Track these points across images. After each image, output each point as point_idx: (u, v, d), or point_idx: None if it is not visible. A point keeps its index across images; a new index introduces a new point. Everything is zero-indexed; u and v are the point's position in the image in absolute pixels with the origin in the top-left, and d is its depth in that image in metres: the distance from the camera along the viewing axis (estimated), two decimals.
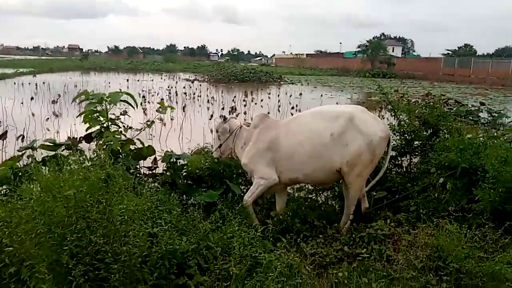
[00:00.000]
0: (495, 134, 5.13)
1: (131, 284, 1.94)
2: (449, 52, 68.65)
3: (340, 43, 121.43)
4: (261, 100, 17.20)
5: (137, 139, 4.62)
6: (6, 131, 8.05)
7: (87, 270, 1.85)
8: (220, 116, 11.58)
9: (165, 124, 11.02)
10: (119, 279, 1.89)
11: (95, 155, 4.07)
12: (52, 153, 4.50)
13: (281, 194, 4.17)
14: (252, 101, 17.03)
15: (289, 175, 3.85)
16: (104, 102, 4.52)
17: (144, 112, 12.61)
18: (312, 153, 3.71)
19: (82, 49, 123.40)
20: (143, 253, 2.00)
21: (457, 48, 70.44)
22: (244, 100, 16.91)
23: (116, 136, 4.41)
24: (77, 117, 4.90)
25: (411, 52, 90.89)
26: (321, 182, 4.18)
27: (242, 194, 4.04)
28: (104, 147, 4.17)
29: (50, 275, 1.68)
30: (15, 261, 1.79)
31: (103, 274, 1.90)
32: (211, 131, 10.70)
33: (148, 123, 5.39)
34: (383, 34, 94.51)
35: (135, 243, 1.96)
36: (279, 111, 14.40)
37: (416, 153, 4.90)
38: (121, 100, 4.62)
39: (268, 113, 5.29)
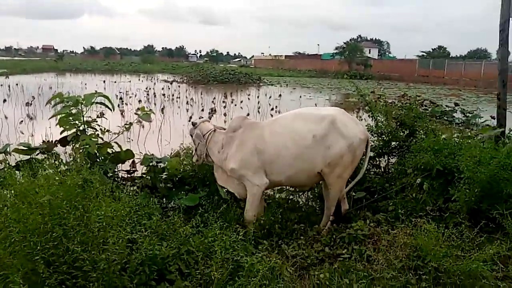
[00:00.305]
0: (469, 134, 5.27)
1: None
2: (424, 53, 70.38)
3: (318, 45, 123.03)
4: (241, 102, 17.17)
5: (115, 142, 4.53)
6: None
7: (64, 279, 1.79)
8: (189, 121, 11.54)
9: (143, 126, 10.85)
10: (98, 287, 1.84)
11: (71, 159, 3.98)
12: (26, 157, 4.39)
13: (261, 199, 4.06)
14: (232, 102, 16.99)
15: (273, 178, 3.81)
16: (79, 104, 4.42)
17: (121, 114, 12.41)
18: (296, 155, 3.70)
19: (57, 49, 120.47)
20: (123, 260, 1.96)
21: (431, 50, 72.26)
22: (223, 102, 16.86)
23: (92, 139, 4.31)
24: (49, 118, 4.76)
25: (387, 54, 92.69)
26: (301, 185, 4.16)
27: (227, 198, 4.03)
28: (81, 151, 4.08)
29: (25, 285, 1.62)
30: None
31: (81, 283, 1.85)
32: (191, 122, 10.60)
33: (127, 126, 5.31)
34: (359, 36, 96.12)
35: (114, 250, 1.92)
36: (259, 112, 14.41)
37: (394, 154, 4.98)
38: (97, 103, 4.52)
39: (248, 114, 5.26)
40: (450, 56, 66.84)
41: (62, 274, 1.79)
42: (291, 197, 4.82)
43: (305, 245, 3.49)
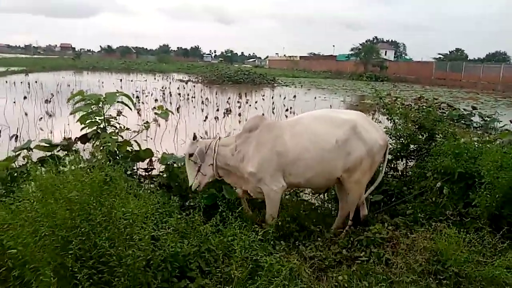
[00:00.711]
0: (488, 138, 5.19)
1: (134, 287, 1.93)
2: (441, 56, 69.53)
3: (333, 46, 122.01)
4: (256, 102, 17.21)
5: (134, 140, 4.59)
6: (0, 131, 7.97)
7: (92, 274, 1.84)
8: (204, 120, 11.60)
9: (159, 125, 10.98)
10: (124, 283, 1.88)
11: (92, 156, 4.05)
12: (46, 153, 4.47)
13: None
14: (247, 102, 17.03)
15: (291, 180, 3.72)
16: (101, 102, 4.50)
17: (138, 112, 12.55)
18: (317, 158, 3.64)
19: (74, 48, 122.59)
20: (148, 257, 2.00)
21: (448, 52, 71.30)
22: (238, 102, 16.90)
23: (113, 137, 4.39)
24: (70, 114, 4.84)
25: (403, 55, 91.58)
26: (319, 187, 4.13)
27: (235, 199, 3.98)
28: (102, 148, 4.14)
29: (55, 278, 1.66)
30: (18, 264, 1.77)
31: (107, 278, 1.89)
32: (206, 132, 10.70)
33: (146, 125, 5.38)
34: (375, 37, 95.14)
35: (140, 246, 1.95)
36: (273, 113, 14.41)
37: (412, 157, 4.94)
38: (117, 101, 4.59)
39: (263, 114, 5.24)
40: (468, 58, 65.86)
41: (89, 268, 1.83)
42: (307, 198, 4.81)
43: (322, 247, 3.49)
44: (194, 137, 3.88)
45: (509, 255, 2.62)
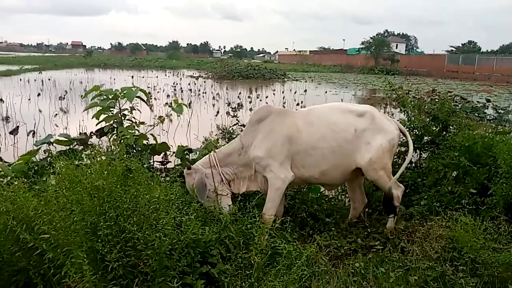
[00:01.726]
0: (503, 129, 5.16)
1: (160, 270, 2.01)
2: (453, 48, 68.68)
3: (344, 40, 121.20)
4: (266, 97, 17.24)
5: (151, 134, 4.69)
6: (18, 127, 8.15)
7: (119, 257, 1.92)
8: (215, 116, 11.63)
9: (171, 121, 11.11)
10: (150, 265, 1.96)
11: (112, 149, 4.15)
12: (64, 148, 4.59)
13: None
14: (258, 97, 17.08)
15: (304, 173, 3.53)
16: (116, 98, 4.60)
17: (150, 108, 12.69)
18: (335, 148, 3.52)
19: (85, 46, 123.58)
20: (173, 241, 2.08)
21: (461, 45, 70.44)
22: (249, 97, 16.97)
23: (130, 131, 4.49)
24: (84, 111, 4.96)
25: (414, 49, 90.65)
26: (333, 182, 3.84)
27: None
28: (120, 141, 4.25)
29: (87, 260, 1.75)
30: (51, 248, 1.86)
31: (133, 261, 1.98)
32: (218, 127, 10.79)
33: (161, 118, 5.47)
34: (386, 30, 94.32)
35: (166, 231, 2.04)
36: (284, 107, 14.45)
37: (426, 149, 4.95)
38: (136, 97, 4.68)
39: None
40: (481, 51, 64.84)
41: (118, 252, 1.91)
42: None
43: (337, 236, 3.55)
44: (188, 168, 3.52)
45: None
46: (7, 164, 3.96)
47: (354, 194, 4.07)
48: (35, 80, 22.58)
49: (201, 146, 5.15)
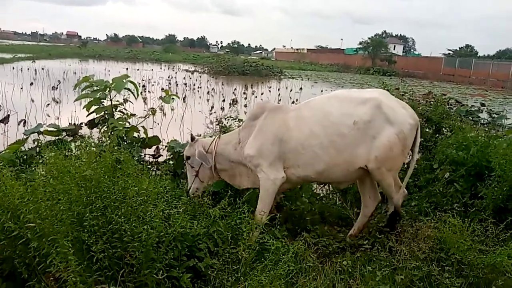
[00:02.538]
0: (496, 134, 5.21)
1: (146, 263, 2.00)
2: (450, 52, 68.95)
3: (341, 39, 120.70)
4: (262, 94, 17.24)
5: (142, 126, 4.65)
6: (9, 115, 8.02)
7: (105, 248, 1.91)
8: (210, 111, 11.63)
9: (165, 114, 11.07)
10: (137, 257, 1.95)
11: (102, 140, 4.12)
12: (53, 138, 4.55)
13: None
14: (253, 94, 17.06)
15: (298, 173, 3.26)
16: (107, 89, 4.55)
17: (144, 101, 12.62)
18: (328, 144, 3.11)
19: (80, 36, 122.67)
20: (160, 233, 2.07)
21: (458, 49, 70.73)
22: (244, 93, 16.92)
23: (120, 122, 4.45)
24: (75, 101, 4.91)
25: (412, 50, 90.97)
26: (337, 182, 3.52)
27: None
28: (111, 133, 4.21)
29: (72, 250, 1.74)
30: (37, 237, 1.85)
31: (120, 253, 1.96)
32: (211, 122, 10.76)
33: (152, 110, 5.43)
34: (384, 31, 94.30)
35: (154, 223, 2.02)
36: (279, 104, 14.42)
37: (419, 150, 4.96)
38: (124, 88, 4.64)
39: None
40: (478, 55, 65.29)
41: (104, 243, 1.90)
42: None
43: (325, 235, 3.55)
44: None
45: (511, 244, 2.67)
46: None
47: (365, 188, 3.56)
48: (28, 69, 22.36)
49: (187, 142, 5.13)
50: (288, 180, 3.29)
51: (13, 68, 22.52)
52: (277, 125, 3.25)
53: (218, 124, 5.13)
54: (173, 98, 5.02)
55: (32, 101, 11.65)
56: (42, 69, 21.93)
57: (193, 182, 3.49)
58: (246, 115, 3.61)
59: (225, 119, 5.04)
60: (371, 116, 3.08)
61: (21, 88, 14.20)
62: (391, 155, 3.10)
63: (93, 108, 4.51)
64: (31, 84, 15.21)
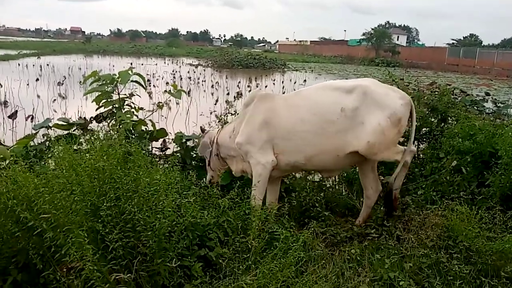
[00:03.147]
0: (502, 123, 5.19)
1: (158, 252, 2.04)
2: (454, 41, 68.38)
3: (345, 30, 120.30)
4: (266, 86, 17.20)
5: (149, 120, 4.69)
6: (16, 111, 8.11)
7: (119, 238, 1.95)
8: (215, 104, 11.65)
9: (170, 108, 11.11)
10: (149, 247, 1.99)
11: (111, 133, 4.16)
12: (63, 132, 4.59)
13: (273, 183, 3.66)
14: (257, 86, 17.04)
15: (288, 159, 3.34)
16: (115, 82, 4.58)
17: (149, 95, 12.66)
18: (317, 131, 3.19)
19: (84, 31, 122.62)
20: (173, 222, 2.10)
21: (462, 38, 70.10)
22: (248, 86, 16.93)
23: (128, 116, 4.48)
24: (84, 95, 4.96)
25: (415, 41, 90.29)
26: (328, 169, 3.57)
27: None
28: (119, 126, 4.24)
29: (88, 239, 1.78)
30: (52, 227, 1.88)
31: (133, 242, 2.00)
32: (216, 116, 10.79)
33: (160, 104, 5.46)
34: (388, 22, 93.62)
35: (165, 213, 2.06)
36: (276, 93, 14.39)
37: (424, 139, 4.97)
38: (131, 81, 4.67)
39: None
40: (482, 44, 64.64)
41: (117, 233, 1.94)
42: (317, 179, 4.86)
43: (333, 224, 3.58)
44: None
45: None
46: (6, 147, 3.96)
47: (366, 179, 3.60)
48: (33, 65, 22.44)
49: (199, 134, 5.17)
50: (278, 167, 3.38)
51: (19, 64, 22.63)
52: (264, 111, 3.35)
53: (219, 121, 5.19)
54: (180, 91, 5.06)
55: (38, 97, 11.73)
56: (47, 65, 22.03)
57: (208, 171, 3.80)
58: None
59: (225, 115, 5.11)
60: (358, 103, 3.16)
61: (27, 84, 14.28)
62: (384, 138, 3.14)
63: (102, 102, 4.55)
64: (37, 80, 15.28)
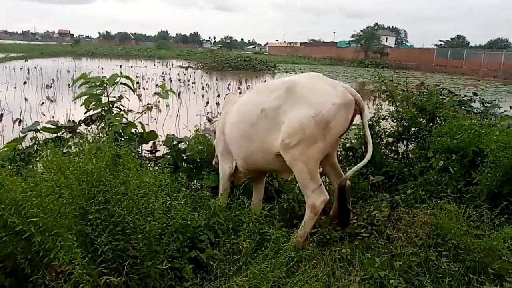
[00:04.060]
0: (489, 122, 5.27)
1: (149, 254, 2.03)
2: (442, 43, 69.22)
3: (334, 32, 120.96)
4: None
5: (139, 122, 4.66)
6: (2, 114, 8.03)
7: (108, 241, 1.93)
8: (205, 106, 11.64)
9: (160, 110, 11.07)
10: (139, 249, 1.98)
11: (100, 136, 4.13)
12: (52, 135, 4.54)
13: (257, 183, 3.67)
14: (247, 88, 17.04)
15: (238, 162, 3.36)
16: (104, 85, 4.55)
17: (139, 98, 12.59)
18: (241, 134, 3.17)
19: (72, 34, 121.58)
20: (163, 225, 2.09)
21: (450, 39, 70.99)
22: (238, 88, 16.93)
23: (117, 118, 4.45)
24: (73, 100, 4.92)
25: (404, 42, 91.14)
26: (269, 170, 3.49)
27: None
28: (108, 129, 4.22)
29: (76, 243, 1.76)
30: (40, 231, 1.86)
31: (122, 245, 1.99)
32: (207, 118, 10.78)
33: (149, 105, 5.45)
34: (376, 24, 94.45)
35: (155, 215, 2.05)
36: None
37: (413, 139, 5.02)
38: (120, 83, 4.64)
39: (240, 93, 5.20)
40: (469, 45, 65.50)
41: (107, 236, 1.92)
42: None
43: (323, 225, 3.59)
44: (209, 120, 3.92)
45: (506, 229, 2.72)
46: None
47: (327, 170, 3.48)
48: (21, 68, 22.18)
49: (190, 135, 5.16)
50: (238, 170, 3.42)
51: (6, 67, 22.32)
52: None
53: (211, 122, 5.20)
54: (170, 92, 5.04)
55: (26, 100, 11.59)
56: (35, 68, 21.77)
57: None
58: None
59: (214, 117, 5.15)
60: (280, 101, 2.94)
61: (15, 88, 14.11)
62: (303, 138, 2.81)
63: (91, 105, 4.51)
64: (25, 83, 15.11)
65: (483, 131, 4.02)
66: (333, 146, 3.19)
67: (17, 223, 1.90)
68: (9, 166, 2.28)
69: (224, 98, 4.27)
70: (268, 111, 2.97)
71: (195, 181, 4.24)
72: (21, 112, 9.09)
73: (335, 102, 2.83)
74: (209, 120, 4.01)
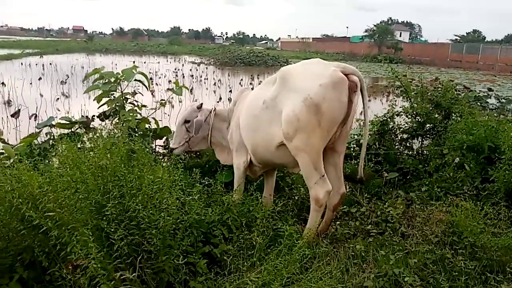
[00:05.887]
0: (505, 118, 5.16)
1: (163, 249, 2.04)
2: (457, 37, 67.90)
3: (347, 27, 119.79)
4: None
5: (153, 118, 4.69)
6: (19, 110, 8.15)
7: (124, 235, 1.95)
8: (217, 102, 11.64)
9: (173, 106, 11.12)
10: (154, 244, 1.99)
11: (114, 131, 4.16)
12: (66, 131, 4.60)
13: (267, 177, 3.69)
14: (260, 84, 17.00)
15: (251, 155, 3.38)
16: (118, 80, 4.58)
17: (152, 94, 12.67)
18: (247, 126, 3.23)
19: (86, 30, 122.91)
20: (177, 220, 2.11)
21: (465, 34, 69.72)
22: (251, 84, 16.91)
23: (131, 114, 4.48)
24: (84, 93, 4.96)
25: (418, 37, 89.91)
26: (276, 164, 3.42)
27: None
28: (122, 124, 4.24)
29: (92, 237, 1.78)
30: (57, 225, 1.89)
31: (137, 240, 2.01)
32: (197, 107, 10.73)
33: (162, 101, 5.47)
34: (390, 18, 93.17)
35: (170, 211, 2.06)
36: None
37: (428, 136, 4.95)
38: (134, 80, 4.66)
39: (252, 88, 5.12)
40: (486, 40, 64.30)
41: (122, 231, 1.94)
42: None
43: (337, 220, 3.57)
44: (200, 106, 3.75)
45: None
46: (10, 146, 3.97)
47: (328, 169, 3.02)
48: (36, 64, 22.51)
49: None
50: (253, 164, 3.44)
51: (22, 63, 22.70)
52: (239, 112, 3.45)
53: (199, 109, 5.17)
54: (181, 88, 5.05)
55: (41, 95, 11.76)
56: (50, 64, 22.09)
57: (182, 145, 3.77)
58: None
59: None
60: (276, 91, 2.92)
61: (30, 83, 14.32)
62: (299, 126, 2.73)
63: (104, 100, 4.55)
64: (40, 79, 15.33)
65: (499, 127, 3.94)
66: (339, 140, 2.95)
67: (34, 217, 1.92)
68: (26, 161, 2.30)
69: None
70: (268, 102, 2.99)
71: (206, 178, 4.25)
72: (36, 107, 9.21)
73: (323, 83, 2.68)
74: (200, 106, 3.77)
